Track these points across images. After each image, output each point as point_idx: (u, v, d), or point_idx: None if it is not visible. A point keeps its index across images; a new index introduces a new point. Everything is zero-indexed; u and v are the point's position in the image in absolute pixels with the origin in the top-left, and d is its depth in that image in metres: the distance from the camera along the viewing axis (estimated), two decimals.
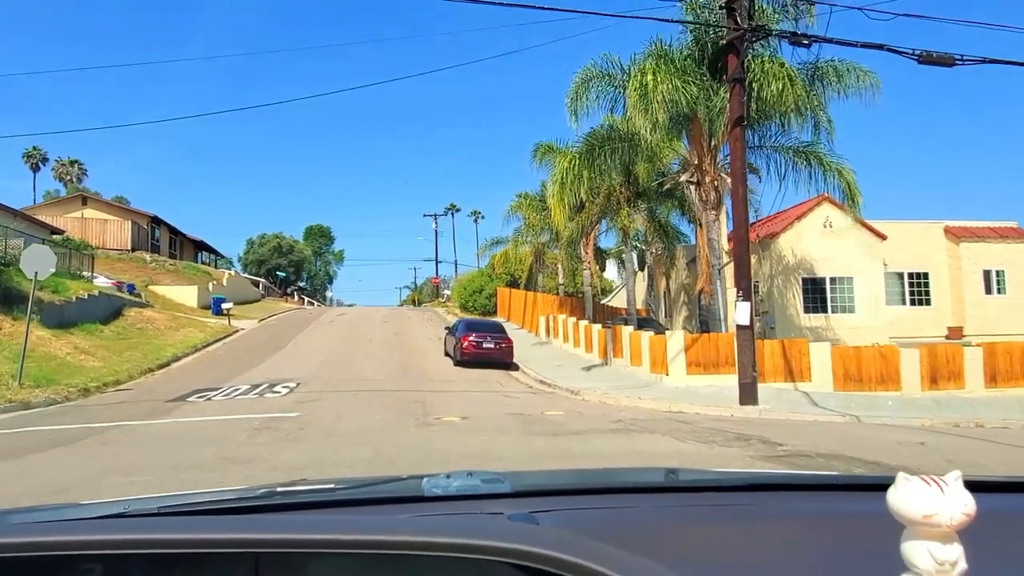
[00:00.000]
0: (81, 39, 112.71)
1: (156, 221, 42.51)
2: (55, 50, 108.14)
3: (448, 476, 1.55)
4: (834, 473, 2.44)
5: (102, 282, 26.88)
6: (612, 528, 1.19)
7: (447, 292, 53.77)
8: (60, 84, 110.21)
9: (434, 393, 14.30)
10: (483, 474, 1.58)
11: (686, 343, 16.35)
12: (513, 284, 37.44)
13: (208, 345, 22.83)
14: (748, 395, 12.94)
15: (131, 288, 28.63)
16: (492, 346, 19.92)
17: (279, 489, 1.50)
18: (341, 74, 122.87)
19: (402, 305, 67.52)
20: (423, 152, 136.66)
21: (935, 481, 0.83)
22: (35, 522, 1.21)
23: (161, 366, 18.44)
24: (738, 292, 13.24)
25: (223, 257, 54.02)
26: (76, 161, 53.79)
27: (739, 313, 13.05)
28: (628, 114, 16.25)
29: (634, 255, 25.14)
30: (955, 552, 0.82)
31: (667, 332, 18.61)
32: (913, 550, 0.83)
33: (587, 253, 27.01)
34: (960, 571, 0.81)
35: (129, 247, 38.28)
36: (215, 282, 37.11)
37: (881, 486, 0.87)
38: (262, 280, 59.20)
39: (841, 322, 23.68)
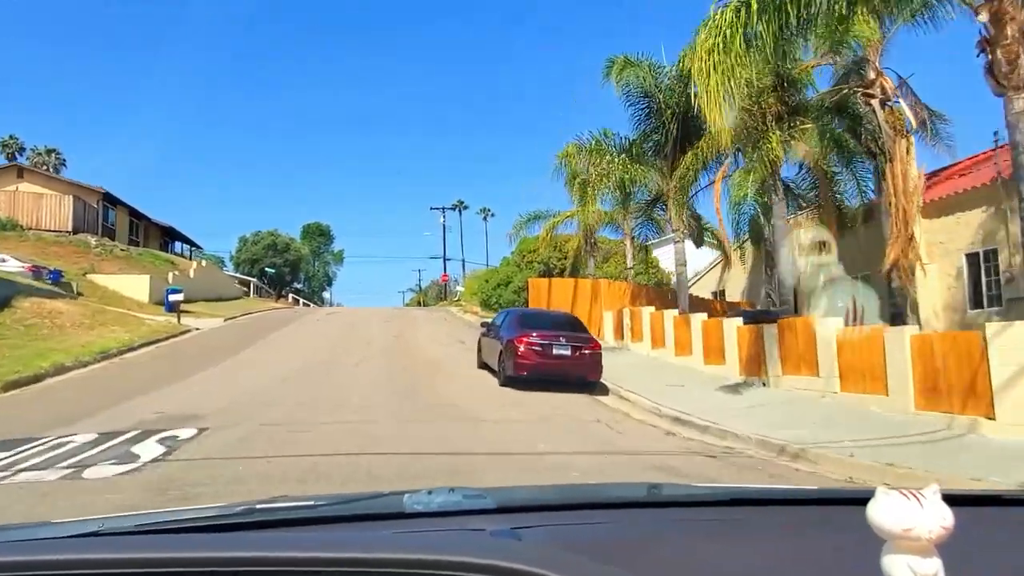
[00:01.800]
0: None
1: (110, 200, 34.61)
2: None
3: (430, 492, 1.52)
4: (815, 487, 2.56)
5: (11, 266, 22.92)
6: (595, 543, 1.20)
7: (459, 289, 45.83)
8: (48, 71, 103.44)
9: (487, 458, 7.59)
10: (465, 490, 1.57)
11: None
12: (547, 274, 29.94)
13: (130, 350, 16.83)
14: None
15: (56, 275, 23.80)
16: (569, 352, 13.07)
17: (258, 506, 1.48)
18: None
19: (407, 306, 63.80)
20: (428, 149, 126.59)
21: (914, 495, 0.84)
22: (5, 542, 1.12)
23: (14, 384, 11.96)
24: None
25: (199, 248, 46.46)
26: (53, 150, 49.80)
27: None
28: None
29: (778, 219, 16.65)
30: (934, 565, 0.83)
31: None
32: (893, 563, 0.84)
33: (679, 219, 18.84)
34: None
35: (70, 228, 30.38)
36: (178, 273, 31.63)
37: (861, 500, 0.88)
38: (253, 280, 56.35)
39: None
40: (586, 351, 12.98)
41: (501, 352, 13.17)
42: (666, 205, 20.30)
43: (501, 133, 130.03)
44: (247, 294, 46.53)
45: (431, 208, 62.55)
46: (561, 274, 30.06)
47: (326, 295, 77.26)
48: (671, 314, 17.83)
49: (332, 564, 0.87)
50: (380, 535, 1.21)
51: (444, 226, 60.89)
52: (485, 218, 68.78)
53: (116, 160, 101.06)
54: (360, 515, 1.46)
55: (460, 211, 64.99)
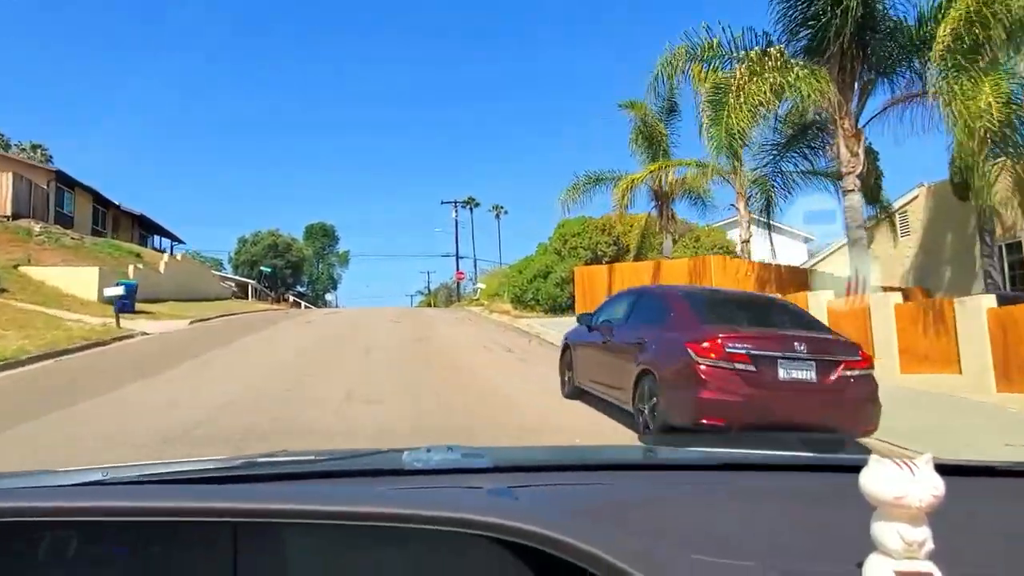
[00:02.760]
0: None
1: (65, 182, 28.58)
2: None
3: (428, 450, 1.56)
4: (809, 454, 1.88)
5: None
6: (589, 503, 1.25)
7: (479, 287, 40.18)
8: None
9: None
10: (463, 449, 1.60)
11: None
12: (594, 262, 25.16)
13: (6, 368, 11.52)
14: None
15: None
16: (814, 376, 6.37)
17: (259, 460, 1.52)
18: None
19: (417, 307, 61.04)
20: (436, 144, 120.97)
21: (907, 464, 0.88)
22: (10, 488, 1.16)
23: None
24: None
25: (180, 241, 46.23)
26: (39, 146, 46.19)
27: None
28: None
29: None
30: (923, 533, 0.87)
31: None
32: (883, 530, 0.87)
33: (853, 155, 12.61)
34: (927, 551, 0.87)
35: (8, 212, 24.28)
36: (142, 267, 27.14)
37: (854, 467, 0.93)
38: (251, 282, 53.81)
39: None
40: (847, 373, 6.58)
41: (645, 373, 7.14)
42: (817, 142, 13.86)
43: (512, 128, 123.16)
44: (241, 295, 44.13)
45: (442, 202, 61.21)
46: (612, 262, 24.31)
47: (329, 297, 75.06)
48: (887, 300, 11.77)
49: (330, 517, 0.91)
50: (379, 490, 1.24)
51: (457, 221, 57.78)
52: (497, 216, 65.85)
53: (111, 161, 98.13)
54: (360, 471, 1.51)
55: (471, 208, 62.27)
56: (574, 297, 24.60)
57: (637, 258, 22.97)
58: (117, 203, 37.08)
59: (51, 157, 44.36)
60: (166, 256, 31.68)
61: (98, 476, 1.27)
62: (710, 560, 0.92)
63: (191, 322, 22.13)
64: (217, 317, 24.96)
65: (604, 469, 1.67)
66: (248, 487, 1.27)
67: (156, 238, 42.74)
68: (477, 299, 39.68)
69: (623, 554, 0.85)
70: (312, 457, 1.62)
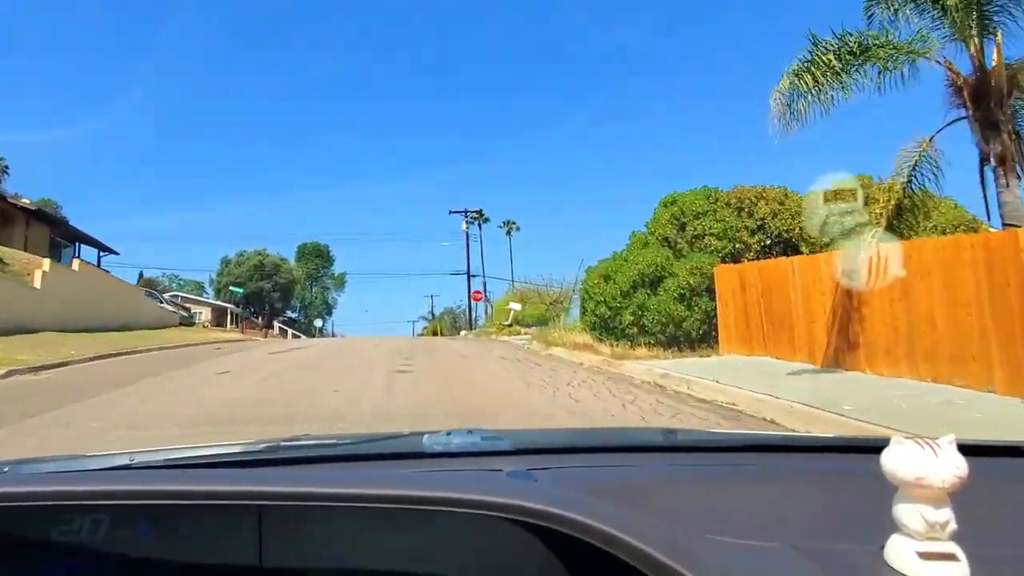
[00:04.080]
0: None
1: None
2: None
3: (448, 433, 1.59)
4: (830, 435, 2.50)
5: None
6: (609, 485, 1.23)
7: (513, 306, 33.29)
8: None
9: None
10: (483, 432, 1.62)
11: None
12: (734, 258, 15.45)
13: None
14: None
15: None
16: None
17: (283, 444, 1.54)
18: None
19: (422, 336, 53.79)
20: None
21: (928, 444, 0.87)
22: (43, 472, 1.23)
23: None
24: None
25: (114, 253, 35.77)
26: None
27: None
28: None
29: None
30: (946, 514, 0.86)
31: None
32: (905, 511, 0.86)
33: None
34: (950, 532, 0.86)
35: None
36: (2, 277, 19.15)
37: (876, 448, 0.92)
38: (230, 306, 50.22)
39: None
40: None
41: None
42: None
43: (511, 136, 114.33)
44: (186, 319, 36.38)
45: (451, 212, 52.62)
46: (765, 255, 15.12)
47: (320, 323, 67.36)
48: None
49: (353, 500, 0.91)
50: (400, 473, 1.27)
51: (467, 233, 51.70)
52: (508, 232, 61.73)
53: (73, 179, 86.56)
54: (381, 454, 1.51)
55: (480, 224, 56.37)
56: (714, 319, 14.28)
57: (893, 234, 10.12)
58: (14, 200, 26.75)
59: (7, 168, 34.38)
60: (47, 264, 20.55)
61: (125, 461, 1.29)
62: (732, 541, 0.92)
63: (36, 368, 13.00)
64: (95, 359, 15.10)
65: (625, 451, 1.66)
66: (272, 471, 1.28)
67: (80, 249, 32.08)
68: (509, 325, 30.15)
69: (644, 535, 0.85)
70: (335, 441, 1.67)
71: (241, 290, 52.79)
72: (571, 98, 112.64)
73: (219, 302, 51.59)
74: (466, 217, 51.52)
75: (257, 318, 55.94)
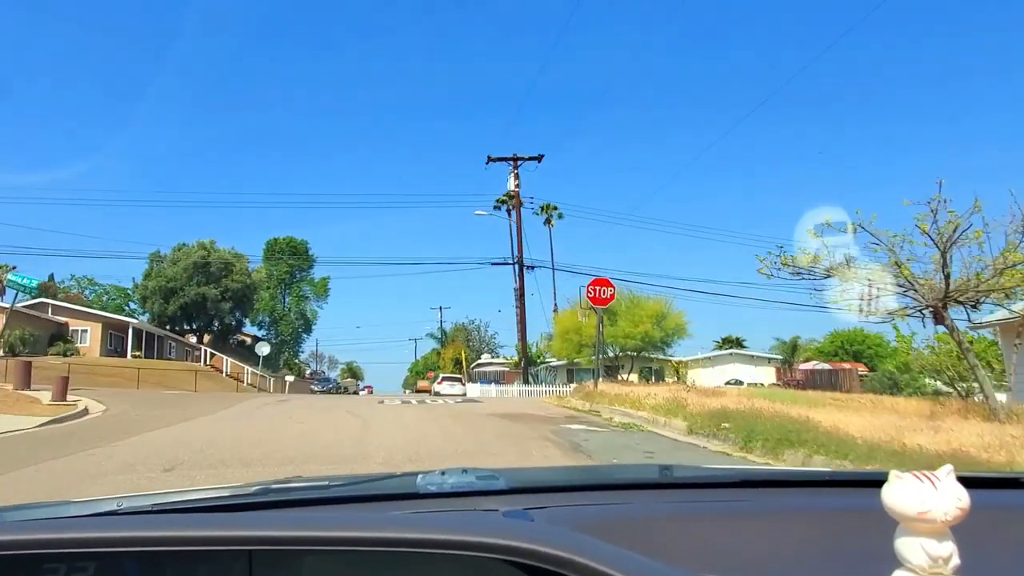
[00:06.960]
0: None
1: None
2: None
3: (443, 473, 1.59)
4: (828, 470, 2.45)
5: None
6: (606, 524, 1.23)
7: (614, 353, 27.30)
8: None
9: None
10: (478, 471, 1.63)
11: None
12: None
13: None
14: None
15: None
16: None
17: (273, 486, 1.52)
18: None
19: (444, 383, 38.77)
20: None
21: (927, 477, 0.88)
22: (28, 520, 1.21)
23: None
24: None
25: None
26: None
27: None
28: None
29: None
30: (949, 548, 0.86)
31: None
32: (907, 546, 0.87)
33: None
34: (954, 566, 0.86)
35: None
36: None
37: (870, 482, 0.95)
38: (134, 321, 37.26)
39: None
40: None
41: None
42: None
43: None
44: (113, 350, 31.43)
45: (489, 159, 37.31)
46: None
47: (264, 350, 42.67)
48: None
49: (346, 543, 0.91)
50: (394, 515, 1.25)
51: (517, 195, 36.54)
52: (548, 221, 44.79)
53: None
54: (374, 495, 1.50)
55: (511, 211, 39.24)
56: None
57: None
58: None
59: None
60: None
61: (113, 506, 1.28)
62: None
63: None
64: None
65: (622, 488, 1.67)
66: (263, 514, 1.27)
67: None
68: (681, 380, 23.93)
69: (640, 575, 0.86)
70: (326, 483, 1.64)
71: (31, 281, 27.89)
72: None
73: (124, 317, 38.17)
74: (514, 165, 36.43)
75: (196, 337, 42.28)
